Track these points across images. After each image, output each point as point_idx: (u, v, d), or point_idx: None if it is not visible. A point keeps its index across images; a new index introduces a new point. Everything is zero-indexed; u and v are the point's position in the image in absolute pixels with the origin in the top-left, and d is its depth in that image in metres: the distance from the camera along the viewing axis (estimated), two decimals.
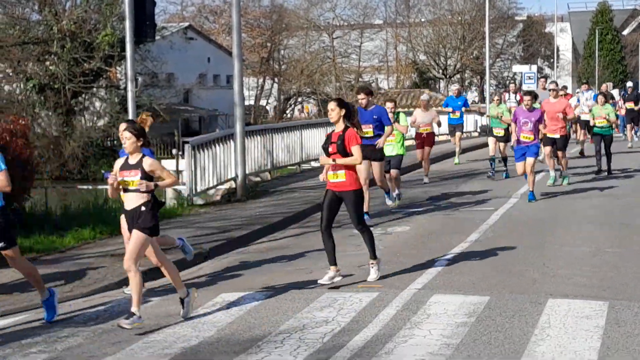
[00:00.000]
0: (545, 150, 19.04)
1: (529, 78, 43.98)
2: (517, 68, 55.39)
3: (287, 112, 69.30)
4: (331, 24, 70.36)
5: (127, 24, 13.43)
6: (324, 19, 71.17)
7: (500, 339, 8.26)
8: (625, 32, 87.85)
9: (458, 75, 69.47)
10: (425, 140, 21.28)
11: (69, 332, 9.06)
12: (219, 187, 19.12)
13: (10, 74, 41.07)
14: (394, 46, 71.96)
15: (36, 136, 35.05)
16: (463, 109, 25.94)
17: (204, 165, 18.41)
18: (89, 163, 38.66)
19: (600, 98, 21.45)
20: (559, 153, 19.37)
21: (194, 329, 9.01)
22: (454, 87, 28.20)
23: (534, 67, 51.68)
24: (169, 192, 19.75)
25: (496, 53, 68.45)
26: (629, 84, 33.32)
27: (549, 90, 20.01)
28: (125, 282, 11.23)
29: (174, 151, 31.41)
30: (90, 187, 29.02)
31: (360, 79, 70.24)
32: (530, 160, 17.02)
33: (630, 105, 31.08)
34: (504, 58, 72.29)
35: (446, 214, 15.98)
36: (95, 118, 42.22)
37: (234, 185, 19.10)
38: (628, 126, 30.72)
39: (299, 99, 71.71)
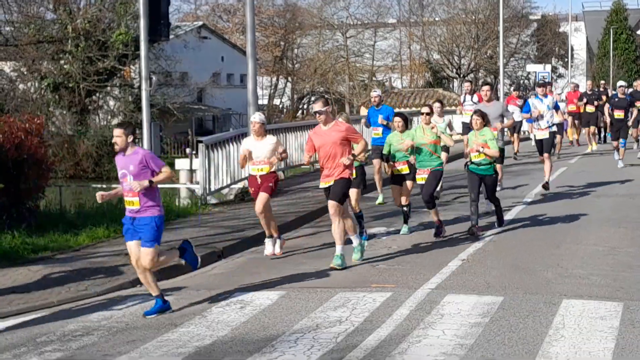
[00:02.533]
0: (331, 210, 11.64)
1: (543, 78, 43.83)
2: (531, 67, 55.24)
3: (300, 110, 69.33)
4: (345, 22, 70.27)
5: (142, 22, 13.45)
6: (337, 17, 71.11)
7: (514, 340, 8.24)
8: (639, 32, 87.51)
9: (472, 75, 69.31)
10: (261, 186, 12.88)
11: (83, 331, 9.08)
12: (232, 186, 19.13)
13: (25, 72, 41.19)
14: (408, 45, 71.76)
15: (50, 135, 35.12)
16: (385, 122, 17.29)
17: (218, 164, 18.42)
18: (103, 162, 38.70)
19: (476, 120, 14.03)
20: (332, 206, 11.61)
21: (208, 328, 9.03)
22: (374, 94, 18.03)
23: (548, 67, 51.54)
24: (183, 192, 19.77)
25: (510, 52, 68.18)
26: (621, 83, 25.74)
27: (315, 112, 11.84)
28: (139, 281, 11.25)
29: (188, 150, 31.38)
30: (104, 185, 29.06)
31: (373, 78, 70.16)
32: None
33: (619, 114, 24.21)
34: (517, 57, 71.99)
35: (459, 214, 15.95)
36: (109, 117, 42.31)
37: (247, 185, 19.10)
38: (614, 143, 24.15)
39: (312, 98, 71.68)
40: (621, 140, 23.63)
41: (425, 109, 14.17)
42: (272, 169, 12.93)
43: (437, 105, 17.96)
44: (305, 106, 70.91)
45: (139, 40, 13.71)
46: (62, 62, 40.81)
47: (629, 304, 9.42)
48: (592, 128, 28.89)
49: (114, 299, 10.55)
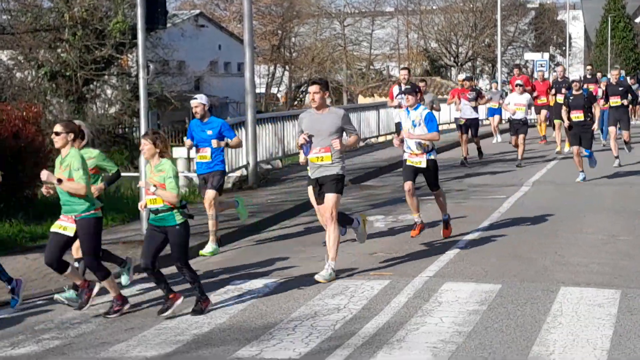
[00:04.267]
0: None
1: (541, 66, 43.79)
2: (528, 56, 55.22)
3: (298, 99, 69.30)
4: (342, 11, 70.23)
5: (139, 11, 13.38)
6: (335, 6, 71.14)
7: (512, 327, 8.25)
8: (638, 20, 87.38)
9: (469, 63, 69.22)
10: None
11: (81, 319, 9.09)
12: (230, 174, 19.09)
13: (22, 61, 41.08)
14: (405, 34, 71.69)
15: (48, 123, 35.00)
16: (223, 144, 12.85)
17: None
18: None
19: (143, 145, 9.35)
20: None
21: (206, 315, 9.03)
22: (194, 102, 12.91)
23: (546, 55, 51.48)
24: (181, 180, 19.72)
25: (508, 41, 68.17)
26: (574, 78, 19.83)
27: None
28: (135, 269, 11.23)
29: (185, 139, 31.16)
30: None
31: (371, 67, 70.11)
32: None
33: (577, 116, 17.90)
34: (515, 46, 71.95)
35: (457, 202, 15.94)
36: (106, 105, 42.20)
37: (245, 173, 19.11)
38: (574, 149, 18.11)
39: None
40: (583, 150, 17.99)
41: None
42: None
43: None
44: (302, 95, 70.88)
45: (136, 29, 13.64)
46: (59, 50, 40.69)
47: (627, 292, 9.43)
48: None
49: None
